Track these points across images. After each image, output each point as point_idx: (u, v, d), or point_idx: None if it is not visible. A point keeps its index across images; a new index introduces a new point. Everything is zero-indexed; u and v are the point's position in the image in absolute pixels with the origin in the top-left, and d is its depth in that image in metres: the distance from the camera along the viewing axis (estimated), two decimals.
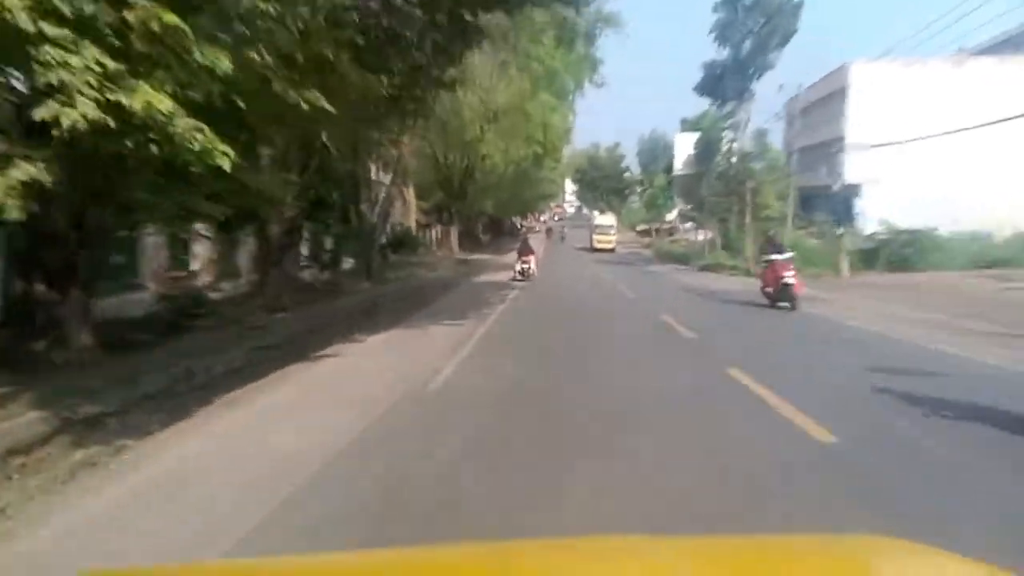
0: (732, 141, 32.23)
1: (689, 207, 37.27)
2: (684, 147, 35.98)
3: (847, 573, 1.53)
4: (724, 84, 27.62)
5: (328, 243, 25.12)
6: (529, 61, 25.42)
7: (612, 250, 48.03)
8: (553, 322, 13.99)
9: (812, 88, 44.59)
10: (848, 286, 22.64)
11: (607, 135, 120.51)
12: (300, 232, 17.34)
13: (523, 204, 56.38)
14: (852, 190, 38.80)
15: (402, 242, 29.57)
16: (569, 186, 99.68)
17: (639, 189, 78.72)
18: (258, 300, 16.53)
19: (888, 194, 34.46)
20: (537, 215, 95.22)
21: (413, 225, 40.03)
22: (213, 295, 17.04)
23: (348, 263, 26.42)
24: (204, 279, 18.05)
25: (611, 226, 51.28)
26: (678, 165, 36.59)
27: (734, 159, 30.82)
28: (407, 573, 1.60)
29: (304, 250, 22.61)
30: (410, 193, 39.82)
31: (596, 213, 64.89)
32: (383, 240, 30.92)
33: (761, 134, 28.38)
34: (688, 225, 47.10)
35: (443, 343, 10.59)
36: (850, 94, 38.76)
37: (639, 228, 63.08)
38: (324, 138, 13.44)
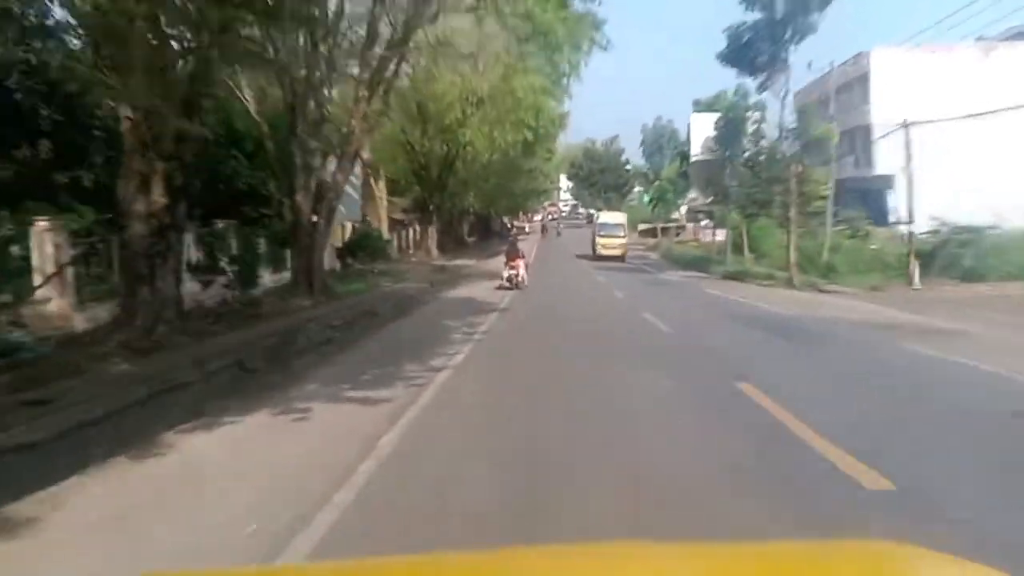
0: (759, 122, 27.17)
1: (709, 200, 31.90)
2: (700, 129, 30.68)
3: None
4: (755, 51, 22.28)
5: (261, 247, 19.80)
6: (515, 20, 20.16)
7: (622, 258, 37.15)
8: (540, 396, 7.66)
9: (830, 75, 40.87)
10: (939, 303, 17.21)
11: (605, 131, 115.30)
12: (179, 231, 12.01)
13: (512, 199, 50.48)
14: (884, 182, 34.51)
15: (361, 245, 24.21)
16: (564, 183, 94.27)
17: (639, 189, 73.17)
18: (125, 334, 11.27)
19: (921, 187, 30.35)
20: (530, 215, 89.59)
21: (384, 224, 34.74)
22: (63, 329, 11.87)
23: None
24: (54, 305, 12.67)
25: (619, 226, 39.46)
26: (695, 150, 31.18)
27: (763, 141, 25.77)
28: None
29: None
30: (380, 187, 34.60)
31: (593, 212, 59.31)
32: (338, 243, 25.68)
33: (806, 109, 22.88)
34: (705, 223, 41.67)
35: (308, 470, 5.10)
36: (876, 79, 35.58)
37: (641, 227, 57.11)
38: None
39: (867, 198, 33.31)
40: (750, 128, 27.05)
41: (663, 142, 56.99)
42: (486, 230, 64.39)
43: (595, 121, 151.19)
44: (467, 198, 41.51)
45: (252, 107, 18.59)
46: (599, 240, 39.14)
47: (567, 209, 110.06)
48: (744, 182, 25.72)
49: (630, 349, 11.24)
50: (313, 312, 15.66)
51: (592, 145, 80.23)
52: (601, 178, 76.88)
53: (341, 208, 24.29)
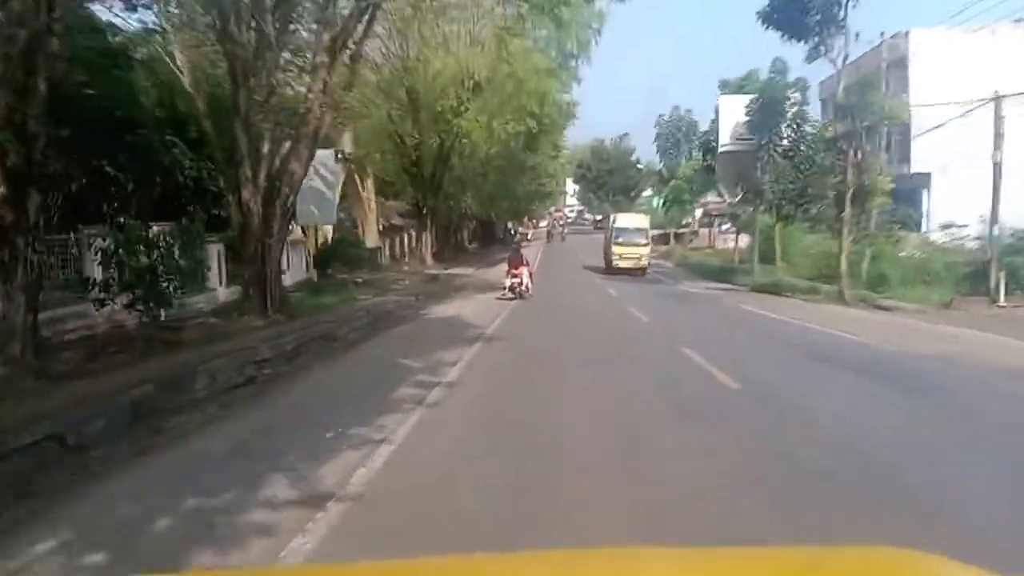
0: (798, 104, 23.54)
1: (737, 198, 28.12)
2: (730, 115, 26.83)
3: None
4: (805, 8, 18.30)
5: (211, 254, 16.36)
6: None
7: (643, 271, 30.07)
8: None
9: (860, 61, 37.50)
10: None
11: (614, 131, 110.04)
12: (32, 233, 8.52)
13: (515, 202, 46.46)
14: (919, 181, 31.18)
15: (337, 252, 20.72)
16: (570, 187, 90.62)
17: (648, 192, 69.15)
18: None
19: (959, 186, 26.90)
20: (535, 221, 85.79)
21: (373, 229, 31.31)
22: None
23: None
24: None
25: (641, 231, 31.66)
26: (724, 139, 27.21)
27: (808, 126, 22.23)
28: None
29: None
30: (368, 187, 31.15)
31: (601, 217, 54.52)
32: (309, 250, 22.25)
33: (868, 81, 18.78)
34: (726, 227, 37.82)
35: None
36: (914, 64, 32.18)
37: (652, 233, 52.93)
38: None
39: (898, 199, 29.88)
40: (790, 111, 23.26)
41: (680, 136, 52.80)
42: (489, 236, 60.81)
43: (604, 122, 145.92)
44: (465, 199, 37.87)
45: (187, 79, 15.20)
46: (616, 249, 30.96)
47: (573, 215, 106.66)
48: (782, 176, 22.05)
49: (686, 439, 6.31)
50: (254, 337, 12.19)
51: (600, 144, 76.67)
52: (609, 179, 73.08)
53: (313, 209, 20.94)
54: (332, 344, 12.38)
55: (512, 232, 63.16)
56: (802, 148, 22.12)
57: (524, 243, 41.37)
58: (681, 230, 48.77)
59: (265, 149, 14.60)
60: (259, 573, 2.43)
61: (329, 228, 23.96)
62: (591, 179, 77.28)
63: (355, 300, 18.91)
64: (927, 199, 32.09)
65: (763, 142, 23.53)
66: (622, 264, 30.20)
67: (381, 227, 37.80)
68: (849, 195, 17.89)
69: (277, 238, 15.03)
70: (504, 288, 19.89)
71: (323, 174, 20.71)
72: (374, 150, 29.90)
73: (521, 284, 19.65)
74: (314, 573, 2.03)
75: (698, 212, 48.04)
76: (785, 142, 23.20)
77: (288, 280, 22.61)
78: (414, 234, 36.35)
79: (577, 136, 68.78)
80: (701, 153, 31.13)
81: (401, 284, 24.34)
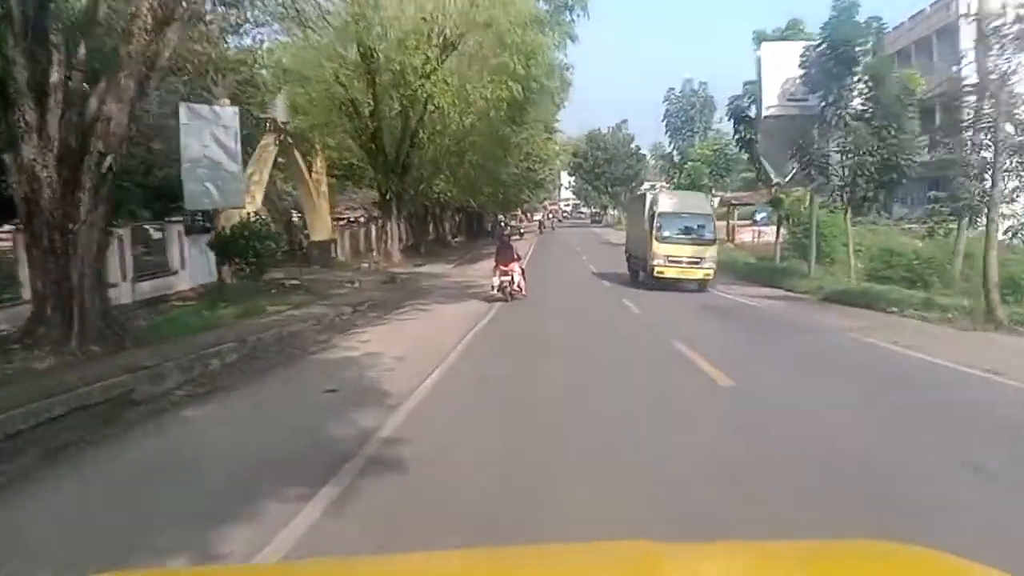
0: (873, 51, 17.58)
1: (787, 178, 21.72)
2: (777, 68, 20.08)
3: None
4: None
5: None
6: None
7: (704, 283, 18.95)
8: None
9: (901, 31, 32.37)
10: None
11: (612, 119, 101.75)
12: None
13: (501, 188, 39.22)
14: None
15: (234, 246, 14.76)
16: (565, 180, 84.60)
17: (648, 184, 63.15)
18: None
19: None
20: (529, 214, 79.39)
21: (324, 218, 25.43)
22: None
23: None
24: None
25: (704, 217, 19.79)
26: (769, 100, 20.48)
27: (895, 73, 16.34)
28: None
29: None
30: (319, 167, 25.30)
31: (598, 210, 46.19)
32: (208, 236, 16.29)
33: None
34: (761, 216, 31.82)
35: None
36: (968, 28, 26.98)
37: None
38: None
39: (936, 187, 23.94)
40: (863, 62, 17.16)
41: (695, 113, 46.42)
42: (476, 229, 54.76)
43: (601, 112, 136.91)
44: (438, 183, 31.62)
45: None
46: (660, 249, 18.81)
47: (569, 208, 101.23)
48: (860, 145, 16.02)
49: None
50: None
51: (597, 132, 70.78)
52: (608, 169, 67.26)
53: (210, 188, 14.92)
54: (126, 415, 6.55)
55: (503, 225, 56.79)
56: (874, 121, 15.95)
57: (515, 237, 35.60)
58: None
59: (56, 78, 8.76)
60: (258, 571, 2.19)
61: (247, 213, 18.00)
62: (587, 169, 71.40)
63: (258, 314, 13.23)
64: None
65: (828, 101, 17.56)
66: (670, 273, 18.67)
67: (359, 218, 32.15)
68: (994, 168, 11.84)
69: (89, 223, 9.18)
70: (492, 288, 16.75)
71: (222, 140, 14.76)
72: (320, 121, 24.00)
73: (512, 283, 16.65)
74: (312, 569, 1.85)
75: (715, 201, 42.32)
76: (858, 101, 17.14)
77: (187, 282, 16.89)
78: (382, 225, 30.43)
79: (573, 127, 63.16)
80: (732, 123, 24.47)
81: (347, 288, 18.76)
